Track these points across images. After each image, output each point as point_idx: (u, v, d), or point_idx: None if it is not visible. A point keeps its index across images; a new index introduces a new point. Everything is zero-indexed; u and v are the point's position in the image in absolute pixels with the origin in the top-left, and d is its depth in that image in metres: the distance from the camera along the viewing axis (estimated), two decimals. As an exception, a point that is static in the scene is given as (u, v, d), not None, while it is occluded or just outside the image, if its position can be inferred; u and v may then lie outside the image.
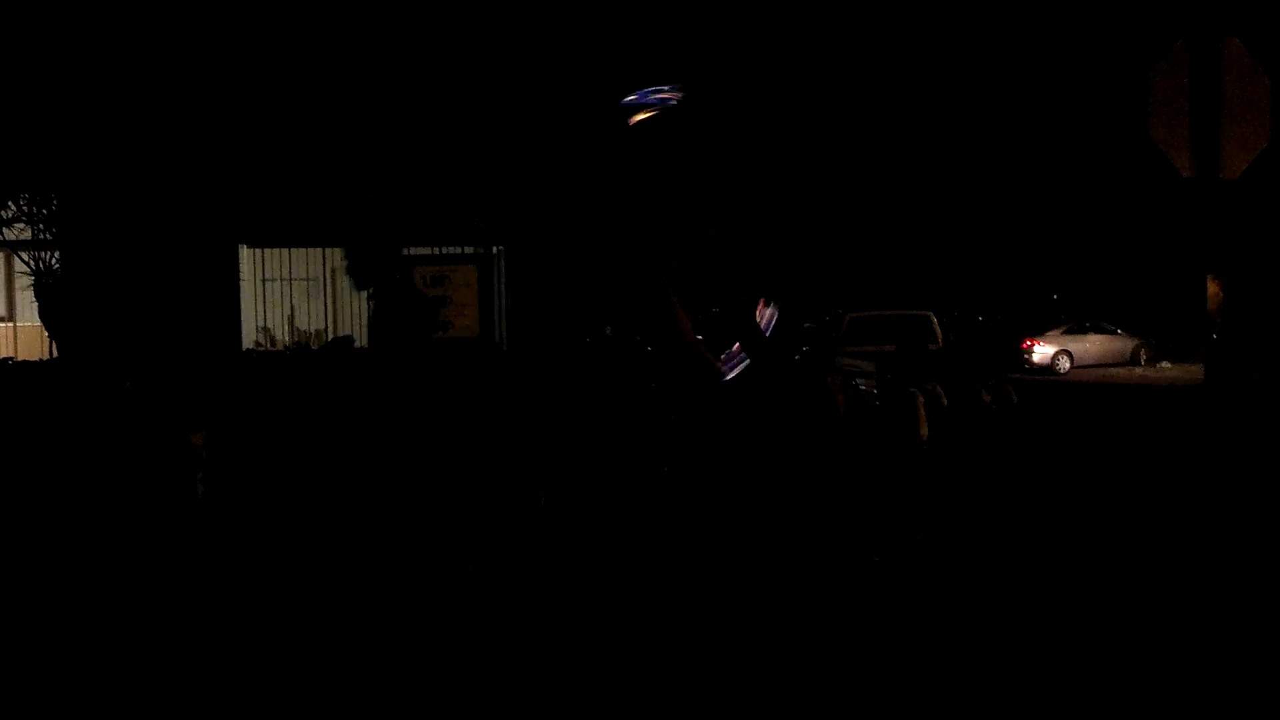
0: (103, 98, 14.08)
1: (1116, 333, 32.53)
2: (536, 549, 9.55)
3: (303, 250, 18.88)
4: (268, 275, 18.02)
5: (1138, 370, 31.21)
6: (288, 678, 6.51)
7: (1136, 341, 32.49)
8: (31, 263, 14.83)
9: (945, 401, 16.65)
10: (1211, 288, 7.89)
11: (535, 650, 6.93)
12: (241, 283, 17.74)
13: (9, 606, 6.91)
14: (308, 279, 20.07)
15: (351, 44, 15.94)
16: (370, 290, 7.85)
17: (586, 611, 7.72)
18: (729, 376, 6.06)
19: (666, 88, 6.22)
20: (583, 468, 11.34)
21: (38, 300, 15.04)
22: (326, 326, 20.52)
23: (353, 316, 18.42)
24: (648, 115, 6.19)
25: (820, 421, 5.19)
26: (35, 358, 14.91)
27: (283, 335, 18.99)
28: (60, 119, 13.88)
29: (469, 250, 16.09)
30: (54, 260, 14.98)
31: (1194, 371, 26.70)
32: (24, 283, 15.84)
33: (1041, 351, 31.24)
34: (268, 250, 17.87)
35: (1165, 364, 32.07)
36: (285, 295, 19.40)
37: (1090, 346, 31.90)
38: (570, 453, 11.19)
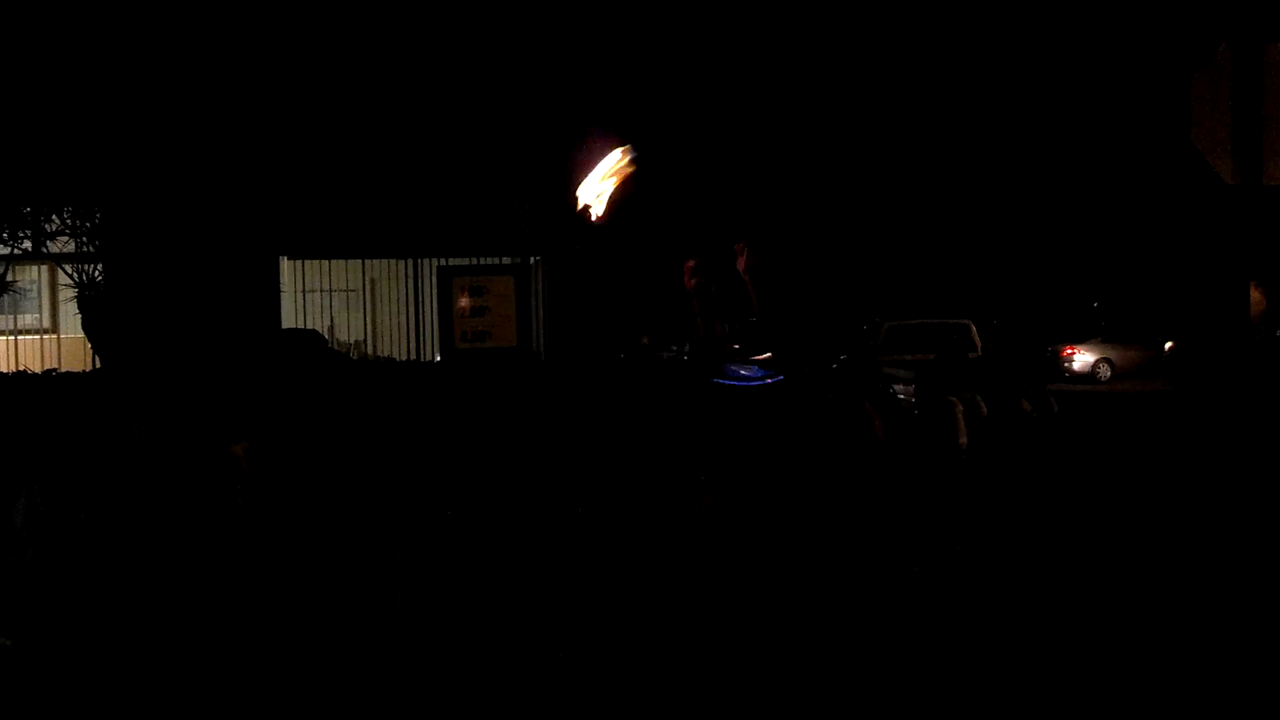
0: (146, 111, 14.22)
1: (1157, 340, 32.26)
2: (571, 557, 9.55)
3: (342, 262, 18.99)
4: (308, 286, 18.14)
5: (1179, 378, 30.91)
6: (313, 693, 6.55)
7: (1177, 349, 32.19)
8: (74, 275, 14.98)
9: (985, 410, 16.57)
10: (1254, 295, 7.81)
11: (560, 662, 6.93)
12: (282, 294, 17.86)
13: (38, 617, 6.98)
14: (347, 290, 20.20)
15: (392, 58, 16.03)
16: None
17: (619, 620, 7.72)
18: (757, 384, 6.02)
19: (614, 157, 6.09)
20: (621, 478, 11.33)
21: (80, 312, 15.19)
22: (366, 337, 20.63)
23: (391, 327, 18.51)
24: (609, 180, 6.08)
25: (855, 449, 5.14)
26: (79, 369, 15.07)
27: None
28: (103, 133, 14.02)
29: (507, 261, 16.14)
30: (97, 273, 15.12)
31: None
32: (67, 295, 16.01)
33: (1082, 359, 31.02)
34: (308, 262, 17.99)
35: (1207, 372, 31.71)
36: (326, 306, 19.52)
37: (1131, 354, 31.63)
38: (608, 463, 11.19)
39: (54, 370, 14.26)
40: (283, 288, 17.93)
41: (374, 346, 20.05)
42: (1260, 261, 7.90)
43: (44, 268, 18.47)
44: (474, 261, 16.32)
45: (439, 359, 15.22)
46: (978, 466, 15.13)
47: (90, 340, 15.26)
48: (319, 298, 18.77)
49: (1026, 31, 30.20)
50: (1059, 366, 30.53)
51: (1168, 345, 29.82)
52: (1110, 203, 35.73)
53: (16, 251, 15.45)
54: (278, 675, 6.82)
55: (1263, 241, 7.98)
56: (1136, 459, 15.04)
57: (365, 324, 20.71)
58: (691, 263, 5.47)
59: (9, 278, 14.74)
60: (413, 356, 16.82)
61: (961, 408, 16.40)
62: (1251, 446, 7.85)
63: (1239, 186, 7.77)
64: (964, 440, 16.24)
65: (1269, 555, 7.75)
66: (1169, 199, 31.63)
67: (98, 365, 15.21)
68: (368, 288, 20.11)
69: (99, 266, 15.35)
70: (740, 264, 5.40)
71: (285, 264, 18.25)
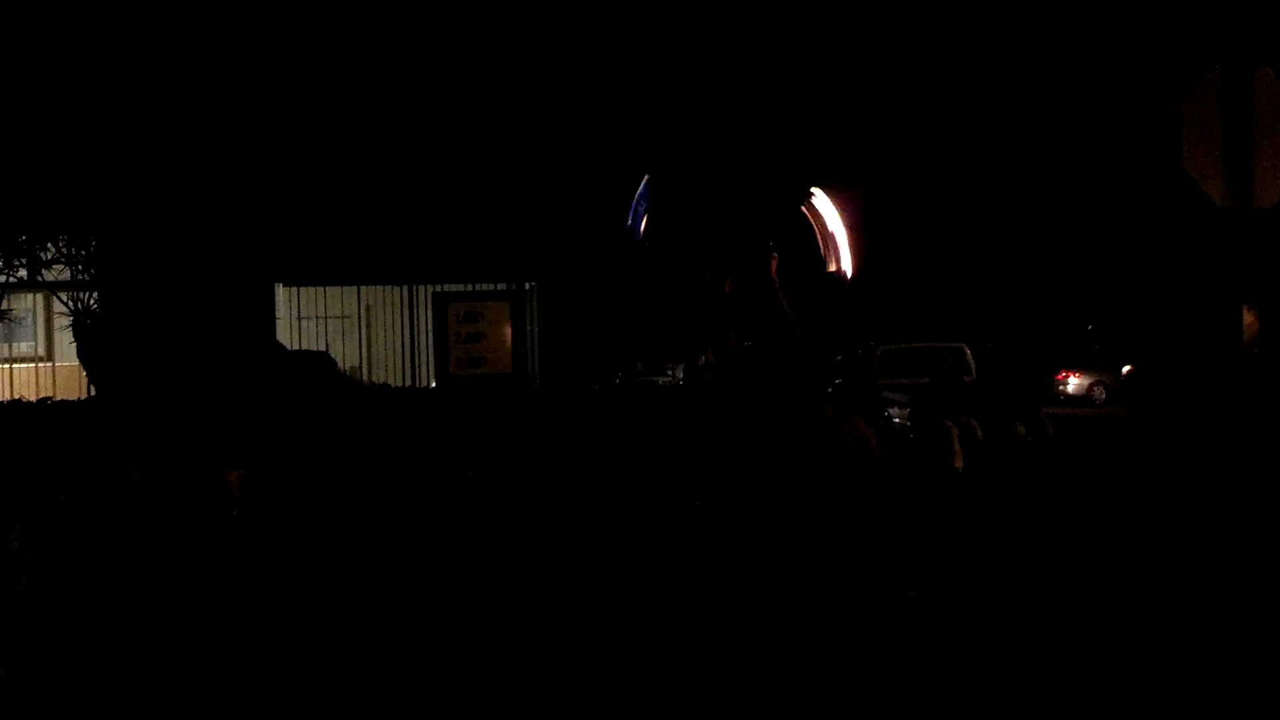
0: (141, 140, 14.26)
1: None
2: (564, 574, 9.54)
3: (338, 288, 19.00)
4: (304, 313, 18.15)
5: (1174, 401, 30.91)
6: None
7: (1172, 372, 32.22)
8: (70, 303, 14.99)
9: (980, 434, 16.54)
10: (1247, 318, 7.84)
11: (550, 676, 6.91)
12: (278, 321, 17.87)
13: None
14: (343, 316, 20.20)
15: (387, 86, 16.09)
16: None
17: (607, 639, 7.71)
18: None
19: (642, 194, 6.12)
20: (614, 500, 11.34)
21: (76, 340, 15.19)
22: (361, 364, 20.62)
23: (387, 354, 18.52)
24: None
25: (853, 467, 5.13)
26: (74, 397, 15.05)
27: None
28: (99, 162, 14.06)
29: (502, 287, 16.15)
30: (92, 301, 15.14)
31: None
32: (62, 323, 16.00)
33: (1077, 383, 31.03)
34: (304, 288, 18.01)
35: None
36: (321, 333, 19.52)
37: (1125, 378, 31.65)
38: (602, 484, 11.20)
39: (49, 398, 14.25)
40: (278, 314, 17.95)
41: (369, 373, 20.04)
42: (1253, 284, 7.92)
43: (39, 296, 18.46)
44: (469, 288, 16.33)
45: (434, 385, 15.22)
46: (973, 490, 15.12)
47: (85, 368, 15.26)
48: (314, 324, 18.77)
49: (1021, 53, 30.33)
50: (1054, 390, 30.55)
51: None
52: (1104, 226, 35.81)
53: (12, 280, 15.47)
54: (272, 703, 6.80)
55: (1255, 264, 8.01)
56: (1129, 481, 15.02)
57: (361, 350, 20.70)
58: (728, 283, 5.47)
59: (4, 306, 14.75)
60: (408, 383, 16.80)
61: (957, 431, 16.37)
62: (1242, 466, 7.86)
63: (1230, 209, 7.80)
64: (959, 464, 16.20)
65: (1261, 577, 7.76)
66: (1161, 222, 31.72)
67: (93, 393, 15.20)
68: (363, 314, 20.11)
69: (94, 294, 15.36)
70: (772, 268, 5.39)
71: (281, 291, 18.27)
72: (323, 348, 19.63)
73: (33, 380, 17.57)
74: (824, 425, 5.12)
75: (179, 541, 8.51)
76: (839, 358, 30.95)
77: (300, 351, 16.69)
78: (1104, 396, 30.95)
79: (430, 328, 15.17)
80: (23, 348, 19.70)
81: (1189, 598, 8.64)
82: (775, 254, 5.42)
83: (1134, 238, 35.09)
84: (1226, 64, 7.84)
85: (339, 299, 19.47)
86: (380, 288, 18.48)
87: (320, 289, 18.34)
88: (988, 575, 9.83)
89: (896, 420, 17.97)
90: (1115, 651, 7.35)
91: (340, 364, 20.49)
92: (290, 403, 8.96)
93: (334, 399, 7.11)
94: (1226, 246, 7.97)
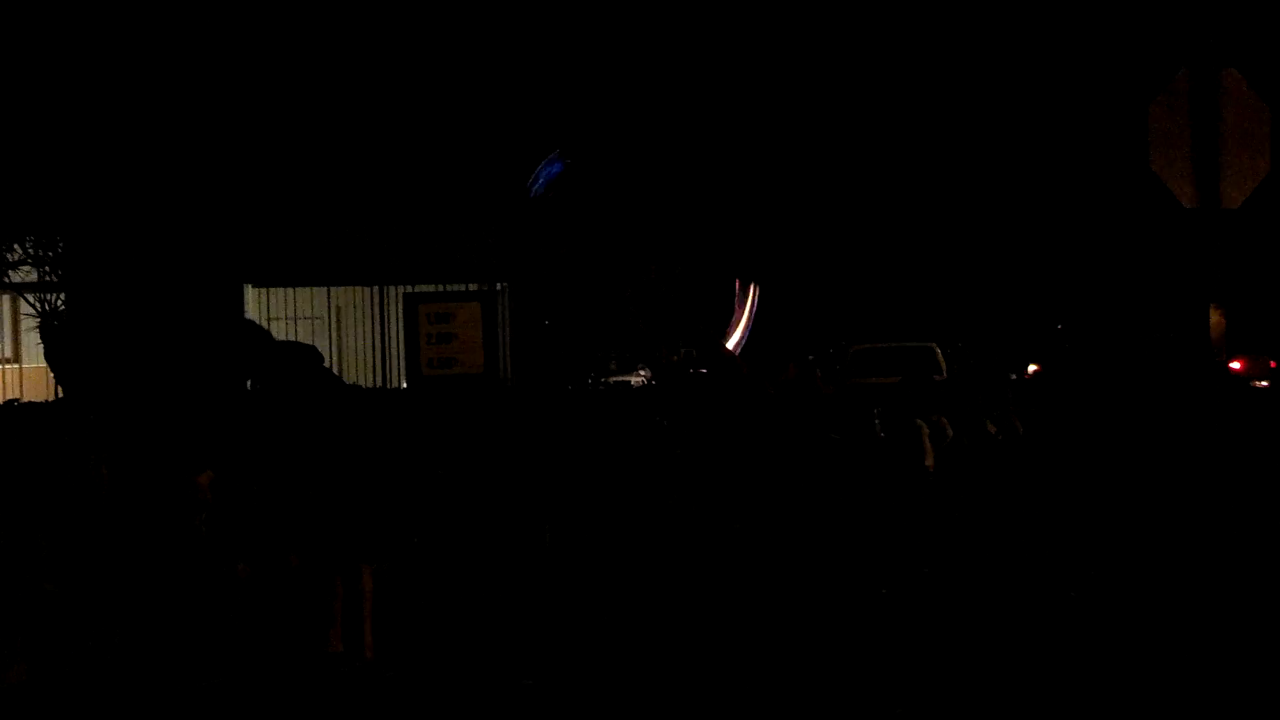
0: (109, 139, 14.17)
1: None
2: (537, 580, 9.54)
3: (308, 289, 18.90)
4: (273, 314, 18.06)
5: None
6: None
7: (1141, 371, 32.39)
8: (37, 305, 14.88)
9: (950, 433, 16.62)
10: (1214, 317, 7.89)
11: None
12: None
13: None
14: (313, 317, 20.09)
15: (358, 84, 16.04)
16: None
17: (582, 642, 7.71)
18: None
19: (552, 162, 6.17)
20: (589, 502, 11.34)
21: (43, 342, 15.08)
22: (332, 365, 20.50)
23: (357, 355, 18.44)
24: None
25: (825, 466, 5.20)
26: (40, 399, 14.93)
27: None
28: (66, 160, 13.96)
29: (474, 287, 16.11)
30: (59, 302, 15.03)
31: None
32: (29, 324, 15.86)
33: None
34: (273, 290, 17.91)
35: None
36: (290, 334, 19.40)
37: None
38: (576, 487, 11.19)
39: (15, 400, 14.13)
40: (247, 315, 17.85)
41: (340, 374, 19.91)
42: (1220, 284, 7.97)
43: (6, 297, 18.30)
44: (440, 288, 16.29)
45: (405, 386, 15.17)
46: (944, 489, 15.18)
47: (53, 370, 15.15)
48: (284, 325, 18.66)
49: (992, 56, 30.50)
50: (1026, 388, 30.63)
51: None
52: (1073, 226, 36.04)
53: (-21, 281, 15.35)
54: (243, 702, 6.77)
55: (1223, 264, 8.07)
56: (1098, 478, 15.09)
57: (331, 352, 20.55)
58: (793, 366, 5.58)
59: (-30, 308, 14.62)
60: (379, 384, 16.74)
61: (928, 430, 16.45)
62: (1208, 464, 7.92)
63: (1198, 210, 7.85)
64: (930, 462, 16.28)
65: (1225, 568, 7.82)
66: (1130, 222, 31.94)
67: (60, 395, 15.09)
68: (333, 315, 20.01)
69: (61, 296, 15.25)
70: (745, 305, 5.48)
71: (250, 292, 18.16)
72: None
73: (-1, 382, 17.43)
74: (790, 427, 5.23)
75: (148, 544, 8.46)
76: (810, 357, 30.98)
77: (288, 343, 16.56)
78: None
79: (401, 329, 15.13)
80: (-11, 350, 19.53)
81: (1157, 589, 8.70)
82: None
83: (1103, 238, 35.34)
84: (1194, 66, 7.90)
85: (309, 300, 19.36)
86: (351, 288, 18.38)
87: (290, 290, 18.23)
88: (960, 572, 9.87)
89: (877, 422, 18.00)
90: (1085, 645, 7.39)
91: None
92: (272, 398, 8.89)
93: (318, 396, 7.06)
94: (1194, 246, 8.03)
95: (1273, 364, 30.32)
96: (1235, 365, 29.26)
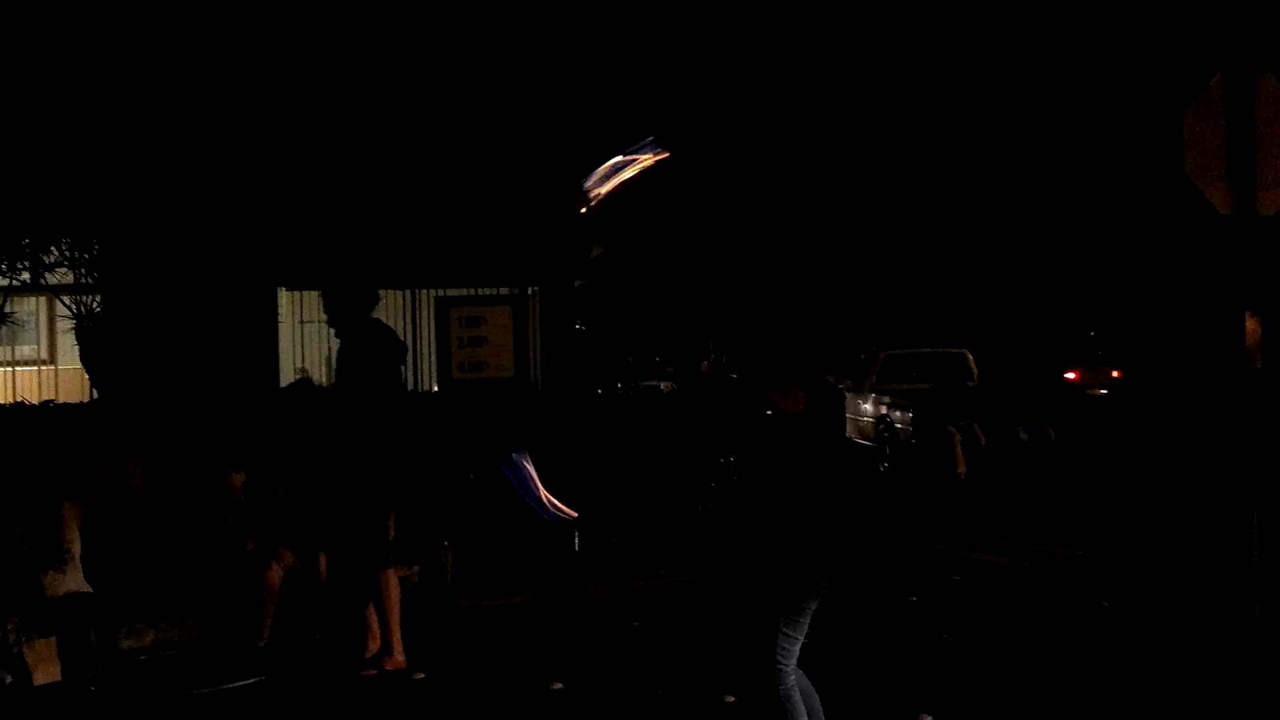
0: (145, 142, 14.28)
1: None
2: (566, 585, 9.55)
3: (340, 293, 18.90)
4: (306, 317, 18.13)
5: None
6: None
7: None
8: (73, 307, 15.00)
9: (982, 439, 16.58)
10: (1250, 324, 7.83)
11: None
12: (280, 324, 17.83)
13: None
14: (345, 321, 20.12)
15: (393, 91, 16.11)
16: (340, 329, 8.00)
17: (611, 646, 7.72)
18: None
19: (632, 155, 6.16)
20: (619, 507, 11.35)
21: (79, 344, 15.19)
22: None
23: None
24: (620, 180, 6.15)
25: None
26: (76, 400, 15.06)
27: (320, 376, 19.11)
28: (102, 165, 14.08)
29: (505, 291, 16.15)
30: (95, 304, 15.14)
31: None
32: (65, 326, 15.95)
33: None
34: (306, 293, 17.98)
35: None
36: (324, 337, 19.48)
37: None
38: (605, 492, 11.21)
39: (51, 401, 14.24)
40: (281, 318, 17.91)
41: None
42: (1256, 291, 7.91)
43: (42, 299, 18.43)
44: (471, 292, 16.33)
45: (436, 389, 15.21)
46: (975, 495, 15.12)
47: (88, 371, 15.26)
48: (316, 328, 18.76)
49: (1026, 59, 30.36)
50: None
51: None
52: (1107, 232, 35.84)
53: (15, 283, 15.47)
54: (270, 706, 6.80)
55: (1258, 271, 7.99)
56: (1133, 486, 14.99)
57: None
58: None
59: (7, 309, 14.74)
60: (410, 386, 16.77)
61: (959, 437, 16.42)
62: (1243, 469, 7.85)
63: (1233, 217, 7.79)
64: (962, 469, 16.26)
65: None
66: (1164, 228, 31.74)
67: (95, 396, 15.20)
68: (365, 318, 20.03)
69: (97, 298, 15.36)
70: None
71: (283, 295, 18.23)
72: (325, 352, 19.62)
73: (35, 383, 17.56)
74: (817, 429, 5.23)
75: (181, 544, 8.52)
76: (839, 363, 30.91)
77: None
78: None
79: (433, 332, 15.16)
80: (25, 351, 19.67)
81: (1196, 606, 8.64)
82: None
83: (1137, 244, 35.12)
84: (1229, 71, 7.85)
85: (342, 303, 19.37)
86: (382, 292, 18.40)
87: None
88: (989, 581, 9.83)
89: (899, 426, 17.99)
90: (1121, 664, 7.35)
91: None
92: (301, 405, 8.97)
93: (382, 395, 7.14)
94: (1230, 253, 7.96)
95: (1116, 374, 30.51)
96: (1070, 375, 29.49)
